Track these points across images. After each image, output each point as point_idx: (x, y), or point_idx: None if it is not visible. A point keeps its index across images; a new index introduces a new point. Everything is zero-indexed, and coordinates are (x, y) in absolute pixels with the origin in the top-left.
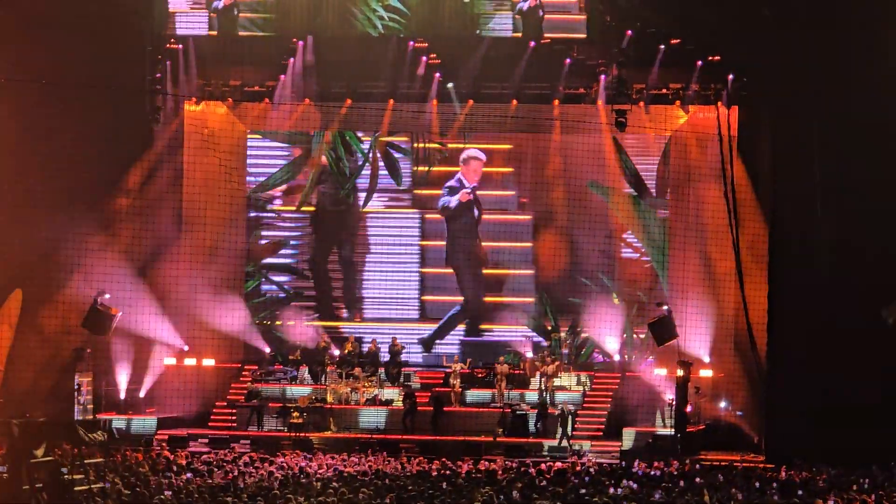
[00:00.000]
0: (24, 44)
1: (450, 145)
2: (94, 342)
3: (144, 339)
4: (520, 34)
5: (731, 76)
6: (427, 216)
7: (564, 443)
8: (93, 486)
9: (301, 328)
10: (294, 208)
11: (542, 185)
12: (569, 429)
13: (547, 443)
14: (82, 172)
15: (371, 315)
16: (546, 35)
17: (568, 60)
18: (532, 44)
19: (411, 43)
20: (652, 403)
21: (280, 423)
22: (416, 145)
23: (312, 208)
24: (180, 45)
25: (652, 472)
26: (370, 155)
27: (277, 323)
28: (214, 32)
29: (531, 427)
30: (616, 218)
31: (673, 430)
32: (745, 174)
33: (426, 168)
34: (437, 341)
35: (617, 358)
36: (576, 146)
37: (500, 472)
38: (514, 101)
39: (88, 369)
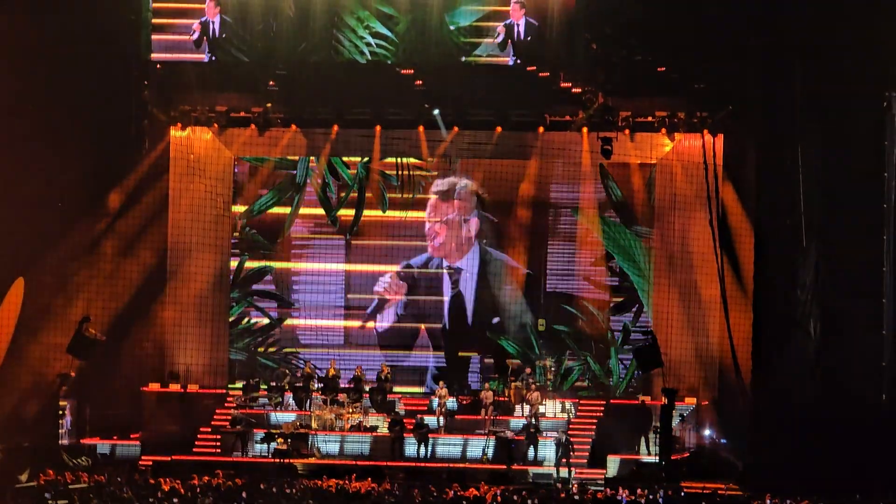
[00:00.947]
0: (8, 67)
1: (434, 172)
2: (79, 367)
3: (129, 364)
4: (507, 59)
5: (716, 104)
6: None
7: (563, 472)
8: None
9: (283, 354)
10: (279, 233)
11: (526, 212)
12: (562, 456)
13: (532, 469)
14: (66, 197)
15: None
16: (532, 63)
17: (554, 88)
18: (517, 70)
19: (398, 70)
20: (636, 431)
21: (264, 449)
22: (401, 173)
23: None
24: (166, 71)
25: (636, 500)
26: (357, 181)
27: (260, 350)
28: (200, 57)
29: (516, 454)
30: (601, 245)
31: (657, 457)
32: (737, 200)
33: (410, 195)
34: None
35: (601, 385)
36: (561, 173)
37: (487, 498)
38: (499, 128)
39: (73, 394)
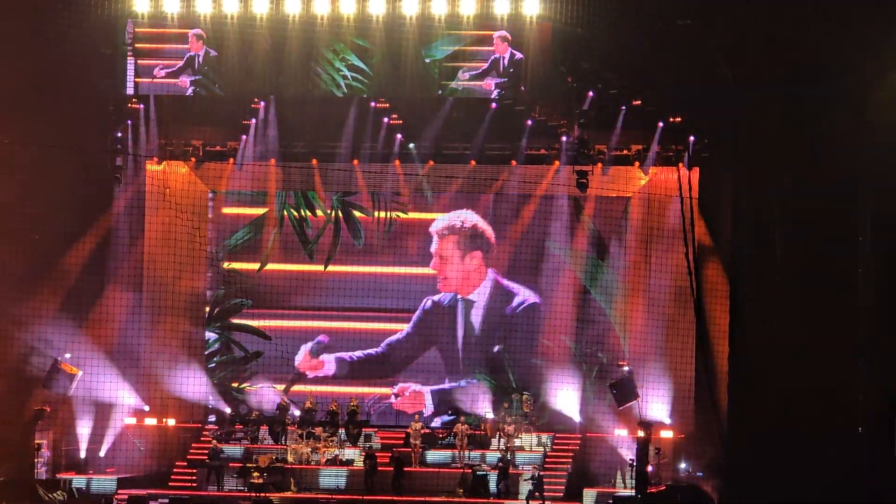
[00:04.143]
0: None
1: (409, 205)
2: (55, 402)
3: (105, 398)
4: (490, 89)
5: (691, 137)
6: None
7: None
8: None
9: (261, 388)
10: (256, 267)
11: (503, 246)
12: (534, 490)
13: (508, 503)
14: (41, 233)
15: None
16: (507, 96)
17: (529, 122)
18: (493, 105)
19: (373, 104)
20: (613, 464)
21: (240, 483)
22: (377, 214)
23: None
24: (141, 105)
25: None
26: (332, 215)
27: (234, 385)
28: (178, 85)
29: (492, 488)
30: (577, 279)
31: (634, 491)
32: (712, 232)
33: (386, 230)
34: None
35: (578, 418)
36: (536, 207)
37: None
38: (473, 162)
39: (49, 429)
